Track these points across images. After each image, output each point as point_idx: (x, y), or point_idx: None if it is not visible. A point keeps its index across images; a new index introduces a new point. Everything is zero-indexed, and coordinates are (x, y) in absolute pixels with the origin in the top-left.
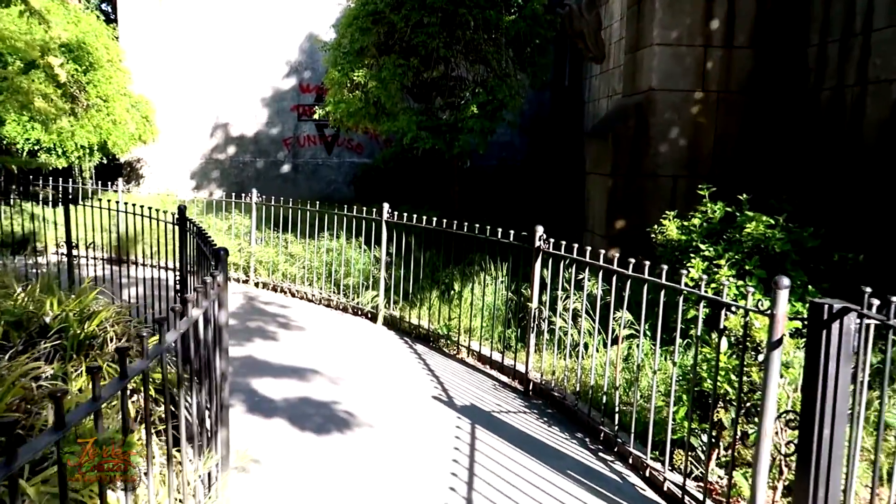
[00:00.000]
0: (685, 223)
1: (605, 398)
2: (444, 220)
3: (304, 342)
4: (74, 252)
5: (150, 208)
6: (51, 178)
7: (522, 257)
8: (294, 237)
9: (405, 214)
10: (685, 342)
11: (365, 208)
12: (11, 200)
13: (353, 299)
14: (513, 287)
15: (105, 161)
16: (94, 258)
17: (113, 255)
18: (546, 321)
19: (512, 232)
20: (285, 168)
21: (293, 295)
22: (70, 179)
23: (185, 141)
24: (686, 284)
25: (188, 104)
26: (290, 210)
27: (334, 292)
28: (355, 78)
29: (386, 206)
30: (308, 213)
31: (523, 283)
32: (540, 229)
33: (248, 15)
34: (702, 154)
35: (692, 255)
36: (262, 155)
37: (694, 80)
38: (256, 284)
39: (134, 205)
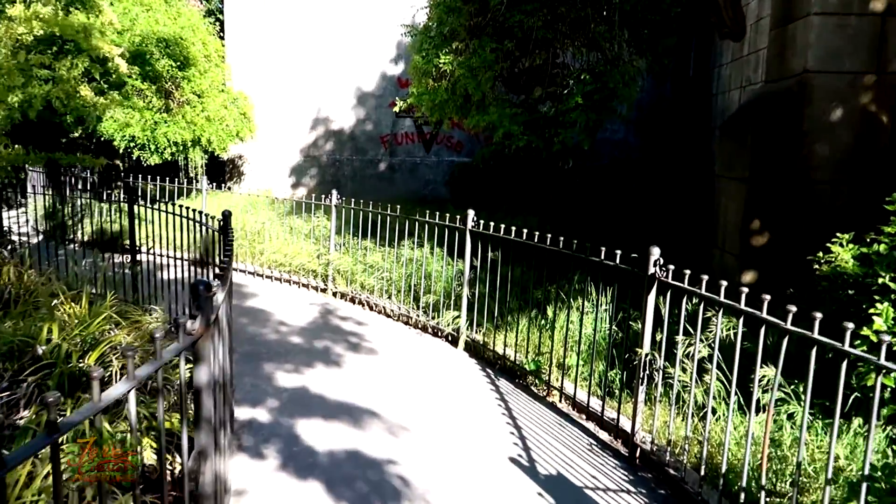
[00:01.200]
0: (864, 250)
1: (741, 485)
2: (536, 233)
3: (370, 370)
4: (147, 255)
5: (195, 212)
6: (157, 175)
7: (632, 283)
8: (373, 244)
9: (491, 224)
10: (857, 418)
11: (448, 215)
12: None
13: (433, 318)
14: (618, 317)
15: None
16: (181, 259)
17: (199, 256)
18: (660, 371)
19: (618, 253)
20: (382, 166)
21: (371, 308)
22: (177, 176)
23: (284, 138)
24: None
25: (287, 100)
26: (370, 214)
27: (413, 308)
28: (440, 65)
29: (470, 213)
30: (388, 217)
31: (632, 309)
32: (655, 252)
33: (348, 8)
34: (873, 155)
35: (877, 296)
36: (358, 152)
37: (865, 60)
38: (335, 294)
39: (188, 208)
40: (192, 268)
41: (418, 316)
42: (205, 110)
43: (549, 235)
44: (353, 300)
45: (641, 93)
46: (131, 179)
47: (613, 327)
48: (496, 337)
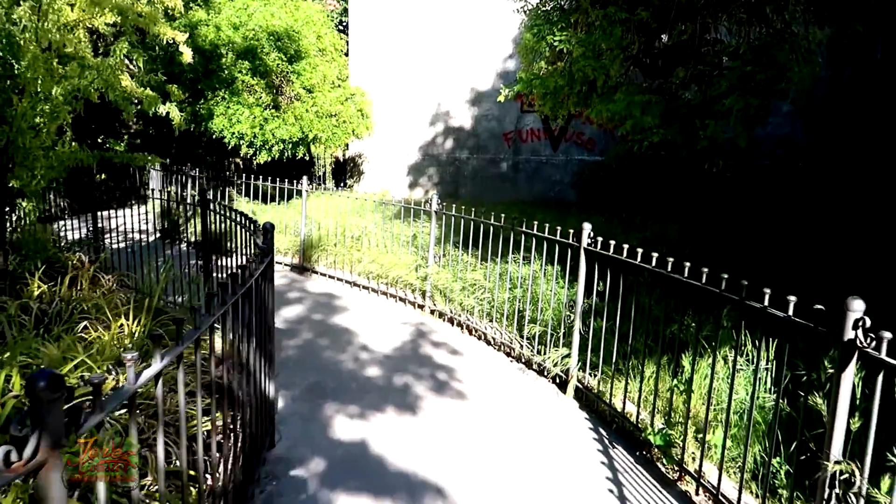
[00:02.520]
0: None
1: None
2: (670, 260)
3: (452, 422)
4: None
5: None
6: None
7: (810, 341)
8: (476, 258)
9: (611, 244)
10: None
11: (559, 229)
12: (220, 195)
13: (538, 351)
14: (786, 380)
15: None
16: (280, 263)
17: (296, 260)
18: (863, 488)
19: (792, 300)
20: (504, 166)
21: (471, 332)
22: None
23: (402, 136)
24: None
25: (406, 97)
26: (472, 222)
27: (517, 337)
28: (555, 43)
29: (586, 228)
30: (491, 227)
31: (806, 368)
32: (857, 309)
33: (468, 1)
34: None
35: None
36: (480, 150)
37: None
38: (432, 312)
39: (240, 212)
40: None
41: (522, 348)
42: (315, 105)
43: (688, 265)
44: (451, 321)
45: (818, 75)
46: (231, 177)
47: (780, 400)
48: (614, 384)
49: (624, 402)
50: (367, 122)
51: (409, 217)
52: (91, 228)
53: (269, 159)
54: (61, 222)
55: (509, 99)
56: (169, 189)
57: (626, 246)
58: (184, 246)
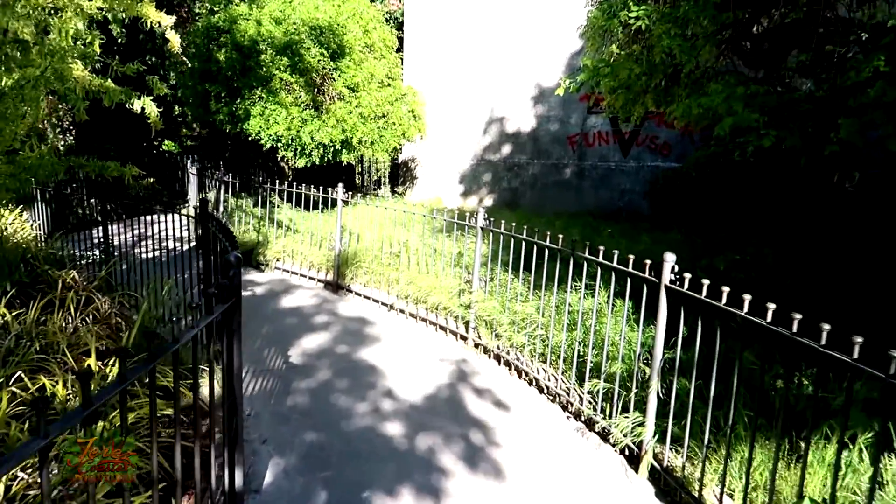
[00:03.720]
0: None
1: None
2: (795, 319)
3: None
4: (275, 272)
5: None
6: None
7: None
8: (527, 285)
9: (704, 285)
10: None
11: (632, 258)
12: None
13: (602, 410)
14: None
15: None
16: (314, 279)
17: (330, 276)
18: None
19: None
20: (568, 172)
21: (520, 375)
22: (354, 179)
23: (456, 139)
24: None
25: (461, 96)
26: (524, 242)
27: (576, 387)
28: (630, 20)
29: (669, 260)
30: (546, 249)
31: None
32: None
33: None
34: None
35: None
36: (540, 156)
37: None
38: (477, 347)
39: (226, 232)
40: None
41: (581, 402)
42: (360, 106)
43: (798, 317)
44: (497, 359)
45: None
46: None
47: None
48: (706, 467)
49: (721, 497)
50: (420, 125)
51: (454, 231)
52: (102, 239)
53: (310, 164)
54: (97, 229)
55: (571, 93)
56: (202, 195)
57: (725, 289)
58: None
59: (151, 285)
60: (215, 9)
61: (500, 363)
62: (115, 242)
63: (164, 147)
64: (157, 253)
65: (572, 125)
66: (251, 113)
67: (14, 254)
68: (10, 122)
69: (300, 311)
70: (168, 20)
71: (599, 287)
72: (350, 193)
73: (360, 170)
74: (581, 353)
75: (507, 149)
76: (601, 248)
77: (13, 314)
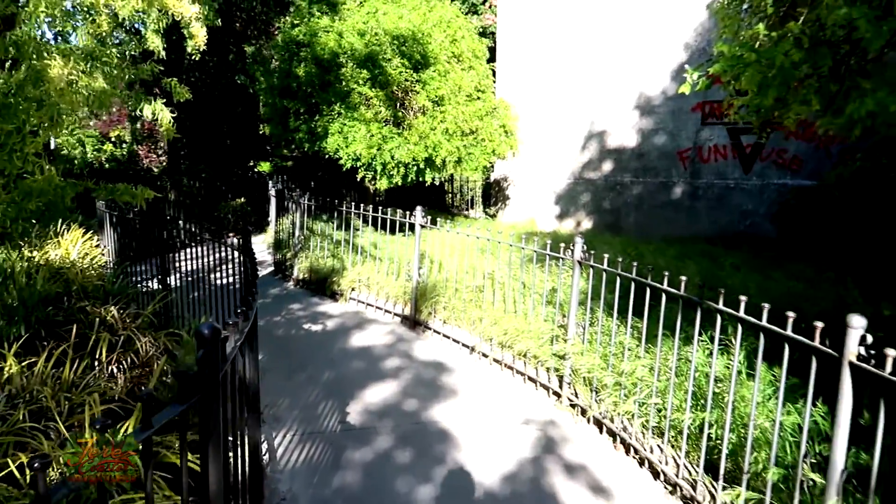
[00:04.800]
0: None
1: None
2: None
3: None
4: (349, 303)
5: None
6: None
7: None
8: (639, 330)
9: None
10: None
11: (791, 316)
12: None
13: None
14: None
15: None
16: (390, 312)
17: (407, 310)
18: None
19: None
20: (678, 191)
21: (627, 450)
22: (444, 198)
23: (551, 156)
24: None
25: (557, 110)
26: (634, 282)
27: (706, 482)
28: None
29: (857, 325)
30: (663, 294)
31: None
32: None
33: None
34: None
35: None
36: (646, 173)
37: None
38: (573, 406)
39: (251, 259)
40: None
41: (715, 502)
42: (444, 121)
43: None
44: (598, 425)
45: None
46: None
47: None
48: None
49: None
50: (512, 141)
51: (547, 262)
52: (158, 269)
53: (392, 185)
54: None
55: (698, 90)
56: (282, 218)
57: None
58: (291, 284)
59: (195, 322)
60: (295, 21)
61: (601, 431)
62: (180, 271)
63: (258, 168)
64: (218, 284)
65: (683, 139)
66: (329, 130)
67: (43, 289)
68: (23, 142)
69: (370, 352)
70: (190, 10)
71: (740, 344)
72: (428, 218)
73: (450, 189)
74: (715, 436)
75: (608, 166)
76: (743, 299)
77: (22, 364)
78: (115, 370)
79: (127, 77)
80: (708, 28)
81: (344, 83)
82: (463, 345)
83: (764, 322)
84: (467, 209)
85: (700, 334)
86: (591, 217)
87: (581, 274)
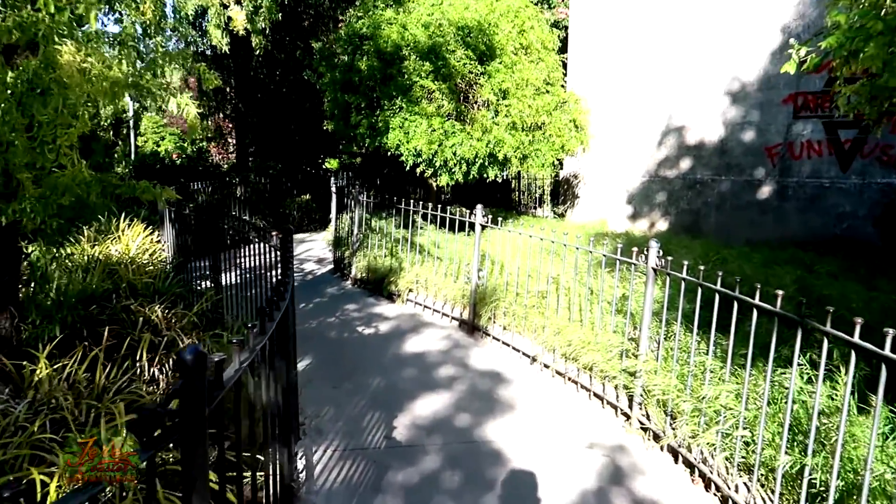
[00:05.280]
0: None
1: None
2: None
3: None
4: (406, 305)
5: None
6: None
7: None
8: (722, 348)
9: None
10: None
11: None
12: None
13: None
14: None
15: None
16: (448, 316)
17: (465, 314)
18: None
19: None
20: (766, 191)
21: (707, 485)
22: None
23: (624, 152)
24: None
25: (630, 104)
26: (718, 294)
27: None
28: None
29: None
30: (755, 308)
31: None
32: None
33: None
34: None
35: None
36: (730, 171)
37: None
38: (644, 430)
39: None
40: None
41: None
42: (509, 115)
43: None
44: (673, 454)
45: None
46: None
47: None
48: None
49: None
50: (582, 136)
51: (617, 267)
52: (211, 267)
53: (453, 182)
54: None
55: (805, 70)
56: (342, 215)
57: None
58: (348, 283)
59: (240, 324)
60: (360, 14)
61: (676, 460)
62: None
63: (326, 165)
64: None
65: (772, 133)
66: (390, 125)
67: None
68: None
69: (424, 358)
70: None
71: (852, 374)
72: (489, 217)
73: (517, 187)
74: (820, 482)
75: (686, 163)
76: (858, 321)
77: (56, 366)
78: (158, 372)
79: (162, 66)
80: (803, 11)
81: (406, 76)
82: (523, 354)
83: (887, 351)
84: (535, 208)
85: (800, 352)
86: (666, 218)
87: (656, 281)
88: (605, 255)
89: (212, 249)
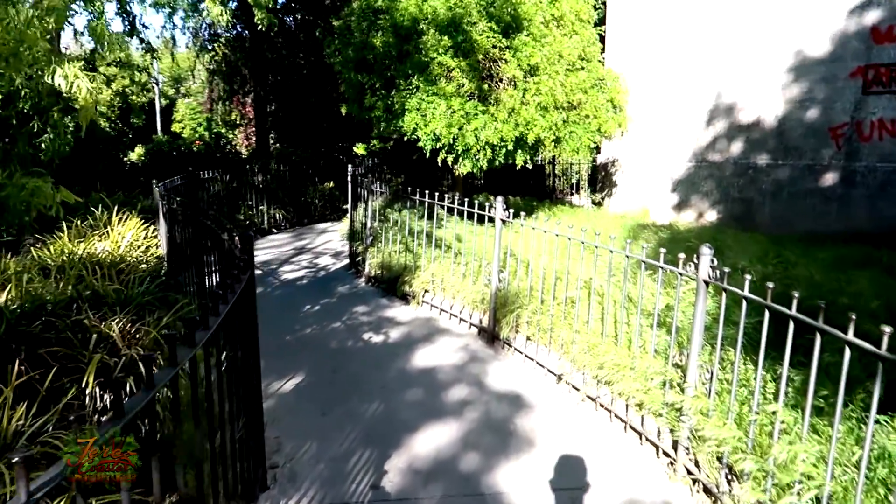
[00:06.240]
0: None
1: None
2: None
3: None
4: (421, 307)
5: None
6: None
7: None
8: (796, 388)
9: None
10: None
11: None
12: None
13: None
14: None
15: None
16: (466, 321)
17: (486, 321)
18: None
19: None
20: (829, 177)
21: None
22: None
23: (667, 135)
24: None
25: (674, 81)
26: (792, 320)
27: None
28: None
29: None
30: (843, 344)
31: None
32: None
33: None
34: None
35: None
36: (787, 155)
37: None
38: (693, 482)
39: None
40: None
41: None
42: (539, 94)
43: None
44: None
45: None
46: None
47: None
48: None
49: None
50: (620, 117)
51: (659, 272)
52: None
53: (479, 168)
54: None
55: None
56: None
57: None
58: (361, 281)
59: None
60: None
61: None
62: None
63: (355, 150)
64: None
65: (838, 111)
66: (406, 107)
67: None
68: None
69: (434, 375)
70: None
71: None
72: (511, 211)
73: (552, 172)
74: None
75: (737, 146)
76: None
77: None
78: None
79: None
80: None
81: (423, 52)
82: (548, 371)
83: None
84: (571, 194)
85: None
86: (715, 207)
87: (708, 296)
88: (643, 261)
89: (196, 249)
